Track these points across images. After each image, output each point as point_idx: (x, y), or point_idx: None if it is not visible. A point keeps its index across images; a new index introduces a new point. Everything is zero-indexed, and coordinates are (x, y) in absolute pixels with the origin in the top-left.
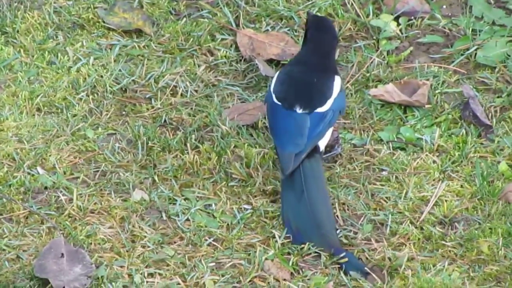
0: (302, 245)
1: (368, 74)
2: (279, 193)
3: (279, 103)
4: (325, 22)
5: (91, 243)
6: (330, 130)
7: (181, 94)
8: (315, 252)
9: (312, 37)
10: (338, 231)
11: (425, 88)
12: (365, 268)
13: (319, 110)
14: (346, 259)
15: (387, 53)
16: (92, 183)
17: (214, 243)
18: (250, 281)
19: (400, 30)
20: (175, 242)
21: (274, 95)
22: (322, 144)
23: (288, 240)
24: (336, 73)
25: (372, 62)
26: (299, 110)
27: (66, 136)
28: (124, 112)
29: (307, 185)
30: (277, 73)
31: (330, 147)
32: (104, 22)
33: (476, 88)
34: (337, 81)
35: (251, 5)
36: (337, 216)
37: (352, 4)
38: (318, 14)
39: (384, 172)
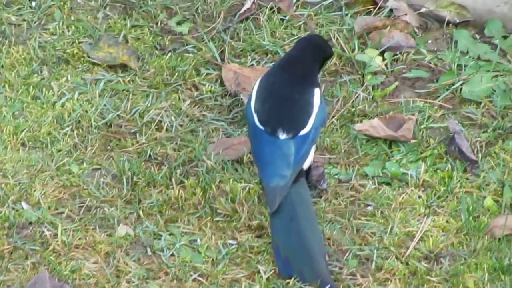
0: (288, 280)
1: (353, 109)
2: (265, 228)
3: (261, 127)
4: (318, 36)
5: (75, 278)
6: (313, 147)
7: (166, 129)
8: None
9: (299, 45)
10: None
11: (411, 123)
12: None
13: (303, 132)
14: None
15: (372, 88)
16: (77, 218)
17: (199, 279)
18: None
19: (386, 65)
20: (160, 278)
21: (255, 116)
22: (306, 164)
23: (273, 274)
24: (317, 85)
25: (357, 97)
26: (282, 136)
27: (50, 171)
28: (109, 147)
29: (295, 212)
30: (257, 83)
31: (316, 182)
32: (89, 56)
33: (462, 123)
34: (317, 93)
35: (236, 40)
36: None
37: (337, 39)
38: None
39: (369, 207)
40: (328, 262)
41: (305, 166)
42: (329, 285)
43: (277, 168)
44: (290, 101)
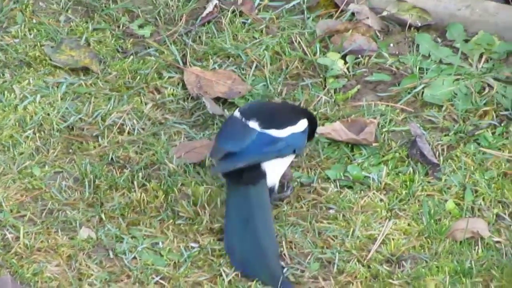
0: (250, 283)
1: (315, 112)
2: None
3: (237, 115)
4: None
5: (37, 281)
6: (282, 163)
7: (128, 132)
8: None
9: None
10: (282, 265)
11: (372, 126)
12: None
13: (272, 132)
14: None
15: (334, 91)
16: (39, 221)
17: (161, 281)
18: None
19: (347, 68)
20: (122, 280)
21: (237, 109)
22: (274, 178)
23: (235, 277)
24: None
25: (319, 100)
26: (251, 124)
27: (12, 174)
28: (71, 150)
29: (252, 214)
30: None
31: (280, 189)
32: (51, 60)
33: (423, 127)
34: (304, 122)
35: (198, 43)
36: (284, 254)
37: (299, 42)
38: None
39: (331, 211)
40: (280, 263)
41: (273, 179)
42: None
43: (232, 138)
44: (275, 109)
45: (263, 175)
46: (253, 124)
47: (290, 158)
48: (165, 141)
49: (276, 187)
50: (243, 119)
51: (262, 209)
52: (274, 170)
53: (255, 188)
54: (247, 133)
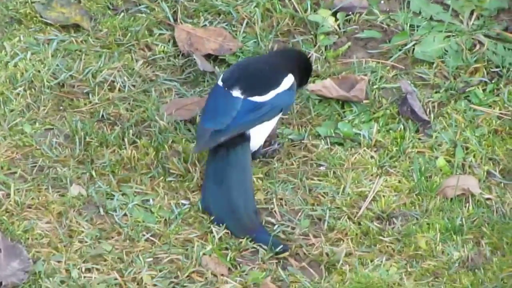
0: (241, 240)
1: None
2: None
3: (220, 84)
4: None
5: (28, 238)
6: (268, 125)
7: (119, 89)
8: (253, 247)
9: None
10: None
11: (363, 83)
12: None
13: (256, 99)
14: (287, 253)
15: (325, 48)
16: (30, 178)
17: (152, 238)
18: (187, 276)
19: (338, 25)
20: (112, 237)
21: (220, 78)
22: (257, 140)
23: (226, 234)
24: (293, 74)
25: (310, 58)
26: (235, 93)
27: (3, 131)
28: (61, 107)
29: (228, 175)
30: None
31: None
32: (41, 17)
33: (414, 84)
34: (289, 79)
35: (189, 0)
36: (275, 211)
37: None
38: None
39: (322, 167)
40: (258, 218)
41: (257, 142)
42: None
43: (217, 115)
44: (259, 71)
45: (247, 138)
46: (236, 93)
47: (276, 119)
48: (156, 98)
49: (261, 148)
50: (226, 89)
51: (239, 170)
52: (259, 132)
53: (235, 151)
54: (230, 104)
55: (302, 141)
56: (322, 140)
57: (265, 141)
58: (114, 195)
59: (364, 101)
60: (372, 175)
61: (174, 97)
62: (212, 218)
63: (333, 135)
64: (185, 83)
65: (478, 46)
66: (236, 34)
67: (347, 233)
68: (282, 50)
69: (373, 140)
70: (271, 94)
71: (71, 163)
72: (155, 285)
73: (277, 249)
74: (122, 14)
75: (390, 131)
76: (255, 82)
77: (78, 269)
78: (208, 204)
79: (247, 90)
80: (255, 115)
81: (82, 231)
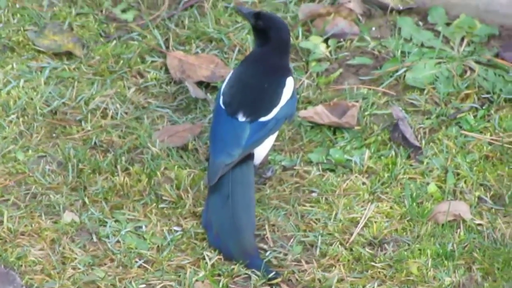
0: (233, 266)
1: (297, 96)
2: None
3: (223, 107)
4: (284, 23)
5: (21, 265)
6: (271, 138)
7: (111, 116)
8: (245, 274)
9: (273, 38)
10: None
11: (355, 109)
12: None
13: (262, 119)
14: (279, 279)
15: (316, 75)
16: (23, 205)
17: (145, 265)
18: None
19: (330, 52)
20: (105, 264)
21: (221, 97)
22: (261, 154)
23: (218, 260)
24: (290, 74)
25: (301, 84)
26: (241, 118)
27: None
28: (54, 135)
29: (233, 191)
30: (231, 72)
31: (259, 170)
32: (34, 44)
33: (405, 110)
34: (289, 86)
35: (181, 28)
36: (267, 237)
37: None
38: (268, 12)
39: (313, 194)
40: (255, 240)
41: (260, 155)
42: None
43: (227, 146)
44: (259, 89)
45: (250, 155)
46: (242, 118)
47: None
48: (148, 125)
49: (262, 161)
50: (230, 114)
51: (244, 187)
52: (263, 146)
53: (240, 167)
54: (239, 132)
55: (294, 167)
56: (314, 166)
57: (258, 168)
58: (107, 222)
59: (356, 128)
60: (363, 201)
61: (166, 124)
62: (208, 237)
63: (325, 161)
64: (177, 110)
65: (469, 72)
66: (228, 61)
67: (339, 259)
68: (272, 48)
69: (365, 166)
70: (275, 110)
71: (64, 190)
72: None
73: (270, 275)
74: (114, 41)
75: (382, 157)
76: (258, 103)
77: None
78: (209, 219)
79: (252, 114)
80: (262, 134)
81: (75, 258)
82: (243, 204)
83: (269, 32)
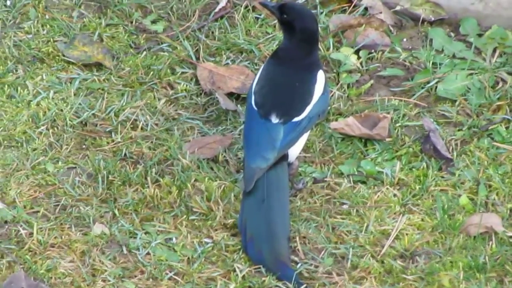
0: (264, 279)
1: (328, 108)
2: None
3: (255, 108)
4: (310, 13)
5: (51, 277)
6: (305, 136)
7: (141, 128)
8: (276, 286)
9: (299, 30)
10: (289, 243)
11: (386, 121)
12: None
13: (296, 119)
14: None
15: (347, 86)
16: (52, 217)
17: (175, 277)
18: None
19: (361, 63)
20: (135, 276)
21: (253, 97)
22: (294, 152)
23: (249, 272)
24: (320, 67)
25: (332, 95)
26: (274, 120)
27: (26, 170)
28: (84, 146)
29: (268, 194)
30: (262, 68)
31: (292, 177)
32: (64, 55)
33: (437, 121)
34: (320, 81)
35: (211, 39)
36: (298, 249)
37: None
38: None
39: (344, 206)
40: (289, 245)
41: (294, 154)
42: (286, 268)
43: (261, 150)
44: (290, 88)
45: (284, 155)
46: (275, 119)
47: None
48: (178, 136)
49: (297, 160)
50: (263, 116)
51: (279, 190)
52: (297, 145)
53: (275, 169)
54: (273, 134)
55: (325, 179)
56: (345, 178)
57: (290, 174)
58: (137, 234)
59: (387, 139)
60: (395, 213)
61: (196, 135)
62: (242, 241)
63: (356, 173)
64: (208, 122)
65: (501, 84)
66: None
67: (370, 271)
68: (300, 42)
69: (396, 178)
70: (308, 108)
71: (94, 202)
72: None
73: None
74: (144, 52)
75: (413, 169)
76: (290, 103)
77: None
78: (244, 223)
79: (285, 114)
80: (296, 134)
81: (105, 270)
82: (278, 208)
83: (295, 24)
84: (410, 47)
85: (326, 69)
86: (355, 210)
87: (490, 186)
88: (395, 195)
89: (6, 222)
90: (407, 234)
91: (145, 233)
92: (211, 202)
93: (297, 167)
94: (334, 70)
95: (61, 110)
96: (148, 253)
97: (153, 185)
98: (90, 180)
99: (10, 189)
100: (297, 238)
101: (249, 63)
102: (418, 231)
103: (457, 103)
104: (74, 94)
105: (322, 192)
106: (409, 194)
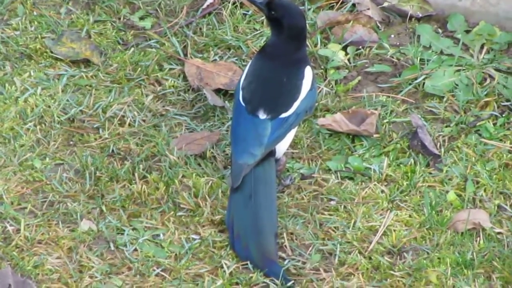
0: (251, 275)
1: (316, 104)
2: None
3: (243, 104)
4: (298, 9)
5: (38, 274)
6: (292, 132)
7: (129, 124)
8: (264, 282)
9: (287, 26)
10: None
11: (373, 117)
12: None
13: (283, 115)
14: None
15: (335, 83)
16: (40, 213)
17: (162, 273)
18: None
19: (348, 60)
20: (123, 273)
21: (241, 92)
22: (282, 148)
23: (236, 269)
24: (307, 63)
25: (320, 92)
26: (262, 116)
27: (13, 166)
28: (71, 142)
29: (256, 191)
30: (249, 63)
31: (279, 173)
32: (51, 52)
33: (425, 118)
34: (307, 77)
35: (199, 35)
36: (285, 246)
37: None
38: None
39: (332, 202)
40: (277, 241)
41: (282, 150)
42: (273, 264)
43: (249, 146)
44: (278, 84)
45: (271, 151)
46: (263, 115)
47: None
48: (166, 132)
49: (284, 156)
50: (251, 112)
51: (267, 186)
52: (284, 141)
53: (262, 165)
54: (260, 130)
55: (313, 176)
56: (332, 174)
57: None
58: (124, 230)
59: (375, 135)
60: (382, 209)
61: (184, 131)
62: (229, 238)
63: (344, 169)
64: (195, 118)
65: (488, 80)
66: None
67: (358, 267)
68: (287, 38)
69: (384, 174)
70: (296, 104)
71: (81, 198)
72: None
73: (288, 284)
74: (132, 49)
75: (401, 165)
76: (278, 99)
77: None
78: (231, 219)
79: (272, 110)
80: (284, 130)
81: (93, 266)
82: (265, 204)
83: (283, 20)
84: (398, 44)
85: (314, 65)
86: (342, 206)
87: (477, 182)
88: (382, 191)
89: None
90: (394, 230)
91: (133, 229)
92: (199, 198)
93: (285, 163)
94: (322, 67)
95: (49, 107)
96: (135, 250)
97: (141, 181)
98: (77, 176)
99: None
100: (285, 234)
101: (237, 60)
102: (406, 227)
103: (444, 99)
104: (62, 91)
105: (310, 188)
106: (397, 190)
